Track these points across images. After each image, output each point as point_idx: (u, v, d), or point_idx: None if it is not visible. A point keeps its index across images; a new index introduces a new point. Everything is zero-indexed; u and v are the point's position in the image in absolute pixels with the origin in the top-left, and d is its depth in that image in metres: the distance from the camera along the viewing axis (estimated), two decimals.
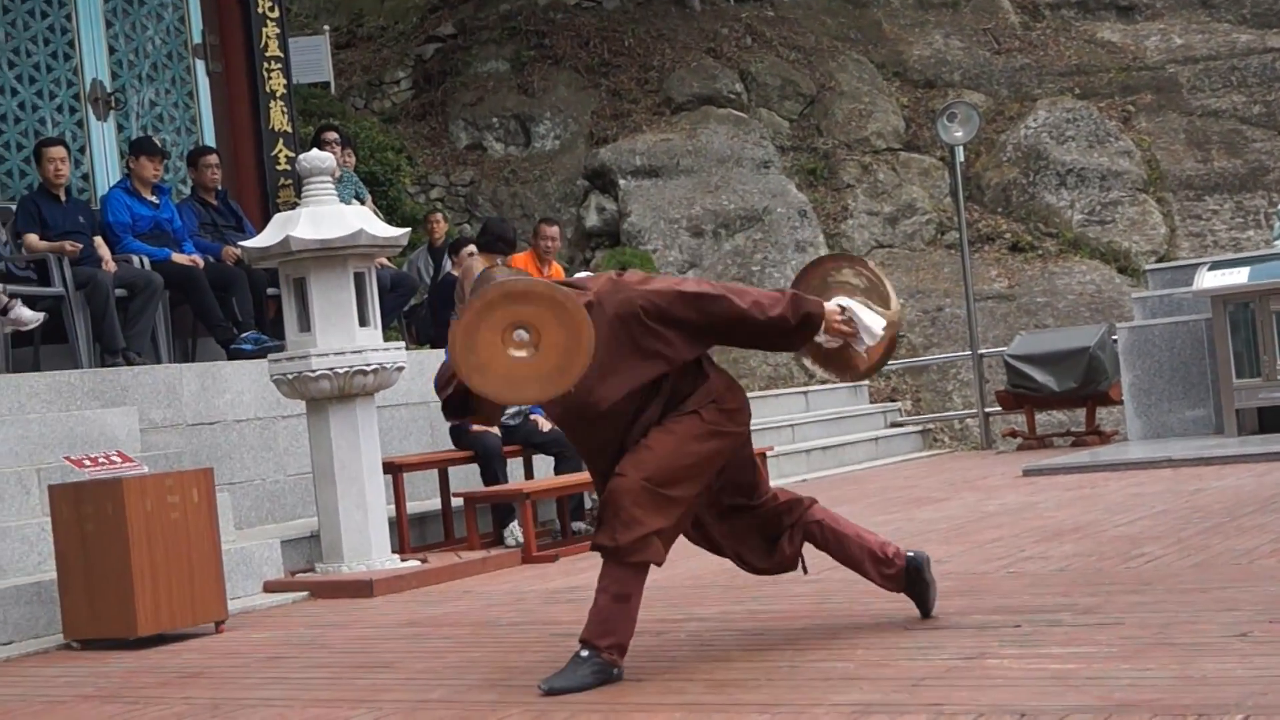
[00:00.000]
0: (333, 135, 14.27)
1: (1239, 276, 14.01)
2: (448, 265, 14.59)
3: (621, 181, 22.39)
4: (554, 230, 13.76)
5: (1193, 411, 14.53)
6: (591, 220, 22.49)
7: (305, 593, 9.32)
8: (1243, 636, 5.45)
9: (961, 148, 17.69)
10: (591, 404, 5.78)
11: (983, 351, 17.69)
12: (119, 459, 8.23)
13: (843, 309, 6.09)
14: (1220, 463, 12.31)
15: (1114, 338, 15.49)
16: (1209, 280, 14.12)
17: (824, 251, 22.05)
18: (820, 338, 6.08)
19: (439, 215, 16.29)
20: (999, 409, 17.00)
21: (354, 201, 13.80)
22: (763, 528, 6.26)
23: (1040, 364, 15.84)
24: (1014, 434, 16.55)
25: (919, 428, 18.26)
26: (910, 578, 6.33)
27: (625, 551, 5.74)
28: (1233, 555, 7.50)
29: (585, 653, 5.74)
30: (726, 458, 5.99)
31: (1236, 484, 10.73)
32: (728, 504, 6.20)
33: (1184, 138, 24.15)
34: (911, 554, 6.34)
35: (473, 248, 13.78)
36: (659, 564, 5.87)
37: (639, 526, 5.71)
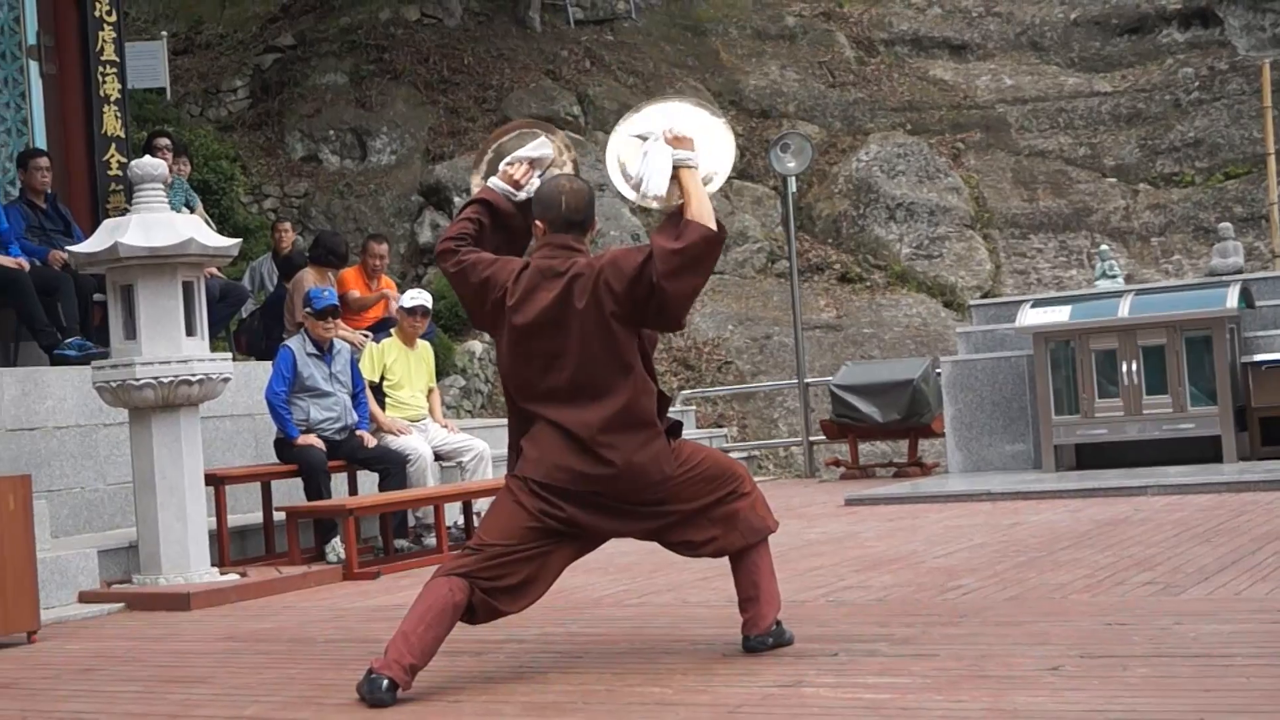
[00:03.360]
0: (164, 141, 14.04)
1: (1060, 315, 14.26)
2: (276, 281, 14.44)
3: (457, 199, 22.29)
4: (383, 249, 13.65)
5: (1012, 446, 14.75)
6: (425, 237, 22.38)
7: (121, 604, 9.14)
8: (1054, 670, 5.52)
9: (794, 178, 17.83)
10: None
11: (809, 380, 17.84)
12: None
13: None
14: (1037, 498, 12.49)
15: (937, 371, 15.68)
16: (1031, 317, 14.35)
17: None
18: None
19: (286, 224, 16.07)
20: (823, 438, 17.14)
21: (183, 209, 13.59)
22: None
23: (865, 395, 15.98)
24: (837, 463, 16.69)
25: (744, 454, 18.34)
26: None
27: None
28: (1047, 589, 7.61)
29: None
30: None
31: (1053, 519, 10.89)
32: None
33: (1011, 176, 24.61)
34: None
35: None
36: None
37: None
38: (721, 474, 6.25)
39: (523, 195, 6.44)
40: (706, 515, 6.21)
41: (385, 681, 5.71)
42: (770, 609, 6.29)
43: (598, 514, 6.08)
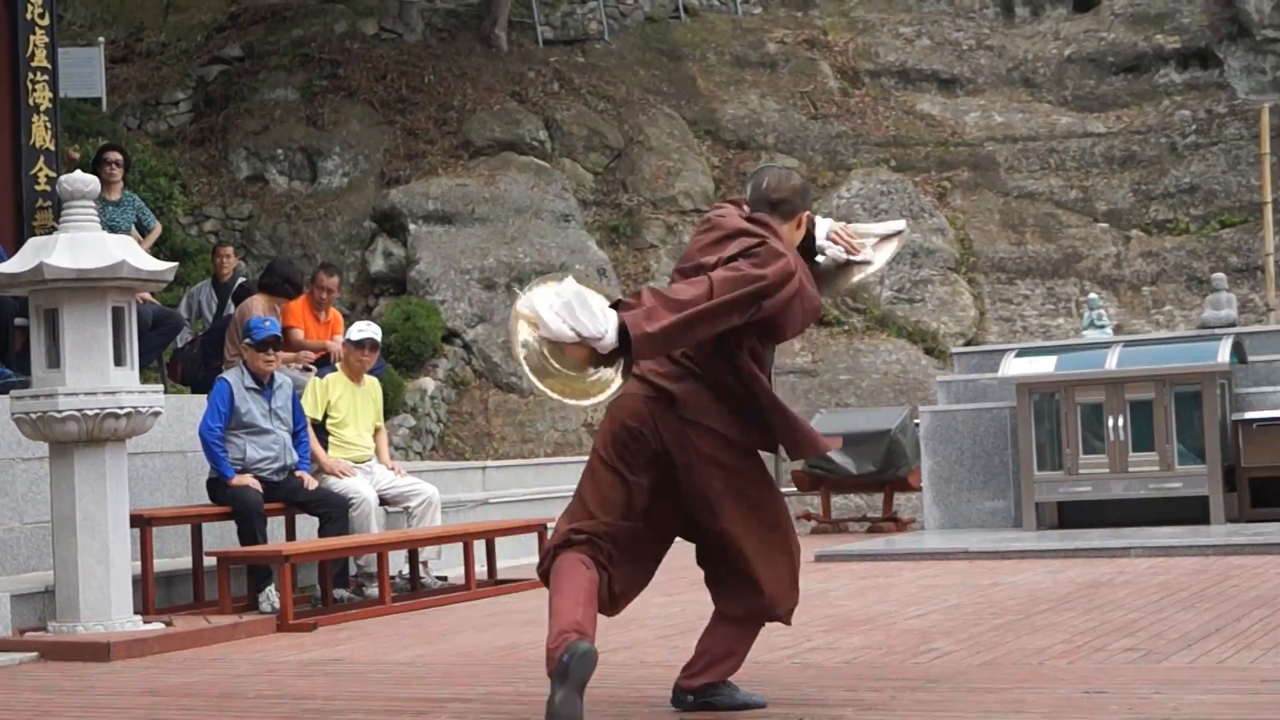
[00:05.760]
0: (115, 156, 13.98)
1: (1046, 365, 14.29)
2: (232, 308, 14.37)
3: (412, 226, 22.29)
4: (333, 281, 13.54)
5: (992, 503, 14.76)
6: (377, 265, 22.34)
7: (35, 654, 9.05)
8: None
9: None
10: None
11: None
12: None
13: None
14: (1017, 557, 12.51)
15: (916, 421, 15.69)
16: (1015, 367, 14.39)
17: None
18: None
19: (228, 249, 16.07)
20: (795, 490, 17.13)
21: (132, 229, 13.55)
22: None
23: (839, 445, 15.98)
24: (809, 516, 16.68)
25: None
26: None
27: None
28: (1024, 654, 7.61)
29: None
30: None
31: (1032, 580, 10.91)
32: None
33: (999, 218, 24.71)
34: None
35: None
36: None
37: None
38: (778, 513, 6.45)
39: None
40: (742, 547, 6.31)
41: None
42: (717, 673, 6.29)
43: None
